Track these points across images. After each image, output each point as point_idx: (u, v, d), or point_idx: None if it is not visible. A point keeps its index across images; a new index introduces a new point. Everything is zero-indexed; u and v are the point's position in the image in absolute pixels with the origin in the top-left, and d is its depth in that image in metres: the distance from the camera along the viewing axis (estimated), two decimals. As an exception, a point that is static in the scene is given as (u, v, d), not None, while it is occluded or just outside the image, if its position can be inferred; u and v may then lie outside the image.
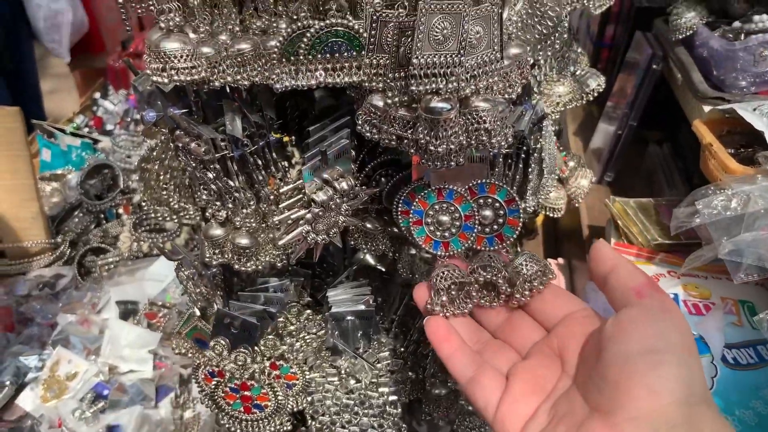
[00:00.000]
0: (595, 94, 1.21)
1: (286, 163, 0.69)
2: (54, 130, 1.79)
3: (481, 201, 0.59)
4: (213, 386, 0.70)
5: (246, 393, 0.70)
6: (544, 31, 0.71)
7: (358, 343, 0.73)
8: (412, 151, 0.53)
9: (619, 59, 1.62)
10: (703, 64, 1.18)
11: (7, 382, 1.20)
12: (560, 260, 1.43)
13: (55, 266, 1.46)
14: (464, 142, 0.52)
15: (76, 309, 1.33)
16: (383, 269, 0.81)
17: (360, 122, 0.55)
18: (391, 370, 0.77)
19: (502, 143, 0.54)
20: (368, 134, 0.55)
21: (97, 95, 2.14)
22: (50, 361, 1.24)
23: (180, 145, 0.61)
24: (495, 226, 0.60)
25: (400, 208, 0.59)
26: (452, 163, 0.53)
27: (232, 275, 0.79)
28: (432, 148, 0.51)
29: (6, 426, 1.16)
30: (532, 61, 0.75)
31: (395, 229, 0.67)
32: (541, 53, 1.17)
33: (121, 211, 1.51)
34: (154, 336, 1.23)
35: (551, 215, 1.25)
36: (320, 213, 0.59)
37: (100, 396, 1.17)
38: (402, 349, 0.78)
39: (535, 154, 0.67)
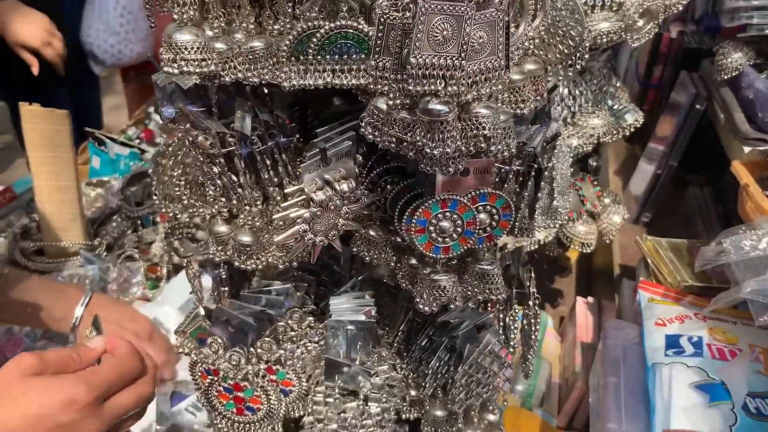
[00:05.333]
0: (632, 129, 1.19)
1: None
2: (104, 138, 1.86)
3: (480, 207, 0.58)
4: (207, 384, 0.70)
5: (239, 394, 0.70)
6: (566, 51, 0.70)
7: (356, 354, 0.72)
8: (411, 154, 0.53)
9: (664, 100, 1.59)
10: (747, 105, 1.14)
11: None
12: (590, 299, 1.39)
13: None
14: (462, 148, 0.51)
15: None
16: (391, 283, 0.80)
17: (363, 124, 0.55)
18: (390, 385, 0.75)
19: (504, 152, 0.53)
20: (370, 136, 0.55)
21: (151, 109, 2.22)
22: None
23: (190, 138, 0.62)
24: (488, 228, 0.60)
25: (404, 225, 0.59)
26: (450, 169, 0.52)
27: (239, 278, 0.79)
28: (428, 150, 0.50)
29: None
30: (552, 82, 0.74)
31: (398, 239, 0.67)
32: (578, 86, 1.16)
33: (158, 219, 1.55)
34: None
35: (581, 250, 1.22)
36: (318, 213, 0.59)
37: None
38: (402, 366, 0.76)
39: (546, 173, 0.65)
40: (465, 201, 0.57)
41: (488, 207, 0.59)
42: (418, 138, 0.51)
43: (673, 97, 1.44)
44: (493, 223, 0.60)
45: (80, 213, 1.48)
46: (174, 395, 1.18)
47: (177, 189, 0.73)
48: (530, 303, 0.82)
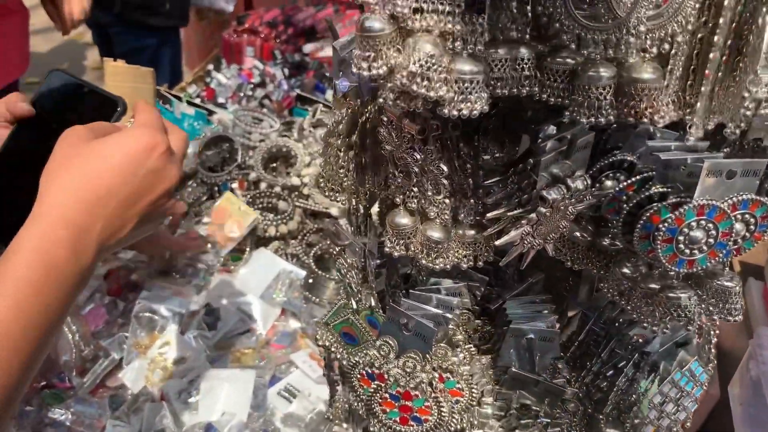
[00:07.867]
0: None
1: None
2: (171, 96, 1.78)
3: (738, 216, 0.50)
4: (372, 390, 0.63)
5: (407, 403, 0.63)
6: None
7: (537, 366, 0.65)
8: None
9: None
10: None
11: (113, 354, 1.16)
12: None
13: (165, 234, 1.42)
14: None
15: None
16: (560, 286, 0.72)
17: None
18: (564, 400, 0.68)
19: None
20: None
21: (210, 67, 2.12)
22: (160, 341, 1.21)
23: (387, 119, 0.54)
24: (739, 240, 0.51)
25: (640, 233, 0.50)
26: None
27: (394, 272, 0.71)
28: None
29: (107, 392, 1.12)
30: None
31: (605, 242, 0.58)
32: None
33: (235, 185, 1.47)
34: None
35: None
36: (547, 214, 0.51)
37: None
38: (576, 380, 0.69)
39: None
40: (725, 208, 0.49)
41: (746, 216, 0.50)
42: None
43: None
44: (747, 234, 0.51)
45: (158, 176, 1.40)
46: (272, 378, 1.12)
47: (342, 171, 0.64)
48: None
